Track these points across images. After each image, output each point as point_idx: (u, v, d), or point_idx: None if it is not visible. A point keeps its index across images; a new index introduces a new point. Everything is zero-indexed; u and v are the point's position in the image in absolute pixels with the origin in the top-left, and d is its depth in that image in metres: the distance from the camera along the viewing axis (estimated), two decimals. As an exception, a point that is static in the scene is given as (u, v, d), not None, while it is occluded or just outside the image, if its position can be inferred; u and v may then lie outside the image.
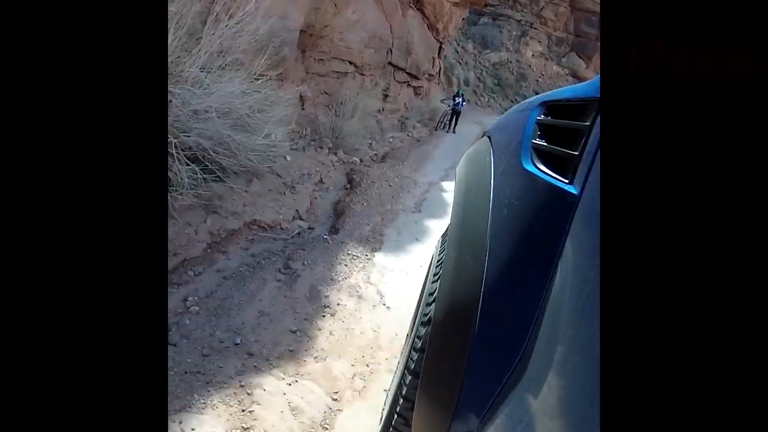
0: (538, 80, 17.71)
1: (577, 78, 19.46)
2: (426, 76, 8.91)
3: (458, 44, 15.07)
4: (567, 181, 0.53)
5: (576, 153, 0.53)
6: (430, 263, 1.16)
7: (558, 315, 0.44)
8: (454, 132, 8.68)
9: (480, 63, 16.00)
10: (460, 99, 8.76)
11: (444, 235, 1.09)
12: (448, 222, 0.95)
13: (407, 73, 7.80)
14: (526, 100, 0.91)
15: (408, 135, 7.38)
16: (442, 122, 8.93)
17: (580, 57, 19.53)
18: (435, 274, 0.91)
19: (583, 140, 0.53)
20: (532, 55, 18.40)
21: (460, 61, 14.41)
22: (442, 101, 9.41)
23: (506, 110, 1.16)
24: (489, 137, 0.90)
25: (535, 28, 18.92)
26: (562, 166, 0.56)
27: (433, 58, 8.97)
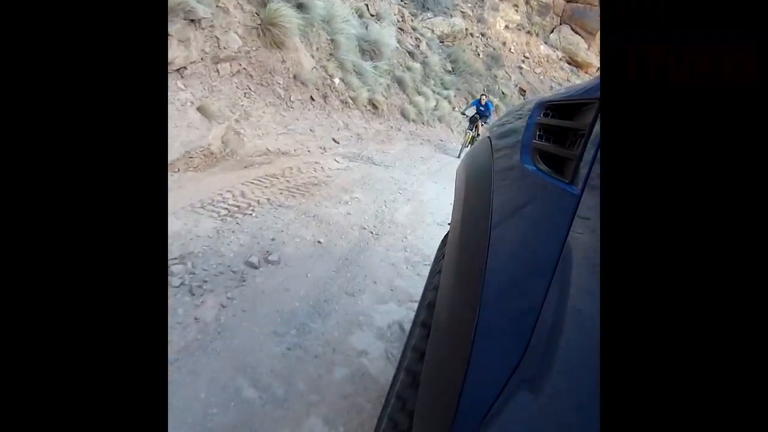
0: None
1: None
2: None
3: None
4: (567, 181, 0.53)
5: (576, 153, 0.53)
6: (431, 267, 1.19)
7: (558, 316, 0.44)
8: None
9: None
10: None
11: (445, 239, 1.11)
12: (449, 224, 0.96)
13: None
14: (526, 101, 0.95)
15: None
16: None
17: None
18: (435, 276, 0.93)
19: (583, 140, 0.53)
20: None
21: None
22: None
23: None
24: (489, 137, 0.94)
25: (505, -14, 11.43)
26: (562, 166, 0.57)
27: None
